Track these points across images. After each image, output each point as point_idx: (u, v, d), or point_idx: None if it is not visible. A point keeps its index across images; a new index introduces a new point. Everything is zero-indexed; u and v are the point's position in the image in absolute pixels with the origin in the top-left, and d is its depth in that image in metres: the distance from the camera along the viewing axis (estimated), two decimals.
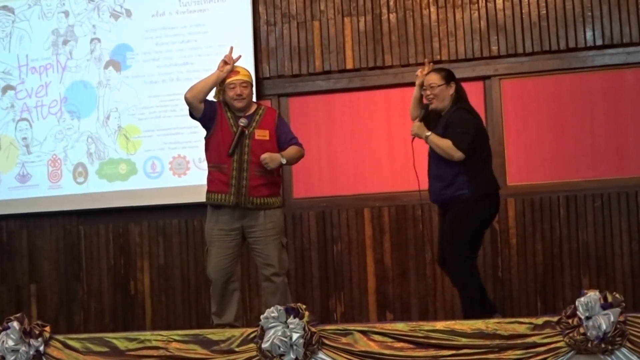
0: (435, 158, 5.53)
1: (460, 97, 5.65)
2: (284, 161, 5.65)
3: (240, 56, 5.71)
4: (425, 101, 5.68)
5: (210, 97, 5.72)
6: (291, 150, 5.71)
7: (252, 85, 5.72)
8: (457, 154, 5.43)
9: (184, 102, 5.65)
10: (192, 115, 5.70)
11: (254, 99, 5.92)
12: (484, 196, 5.56)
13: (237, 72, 5.66)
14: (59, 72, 7.69)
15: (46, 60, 7.73)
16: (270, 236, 5.64)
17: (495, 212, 5.70)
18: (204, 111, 5.62)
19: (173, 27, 7.47)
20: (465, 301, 5.56)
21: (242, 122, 5.60)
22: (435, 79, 5.63)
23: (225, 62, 5.65)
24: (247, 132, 5.59)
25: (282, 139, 5.71)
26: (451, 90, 5.61)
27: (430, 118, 5.65)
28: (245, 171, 5.57)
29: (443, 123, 5.53)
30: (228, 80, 5.63)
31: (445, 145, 5.45)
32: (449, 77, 5.64)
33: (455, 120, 5.51)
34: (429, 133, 5.52)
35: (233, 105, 5.63)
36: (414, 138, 5.67)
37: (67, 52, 7.69)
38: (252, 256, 5.91)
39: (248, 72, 5.75)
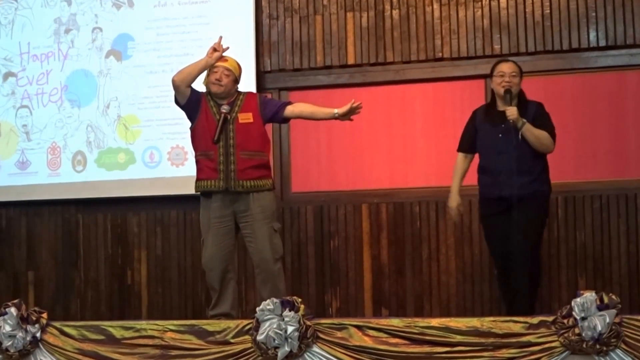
0: (520, 150, 5.50)
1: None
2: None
3: (228, 47, 5.73)
4: (503, 87, 5.69)
5: (201, 88, 5.76)
6: (316, 108, 5.78)
7: (235, 79, 5.72)
8: (552, 147, 5.56)
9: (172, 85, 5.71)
10: (177, 102, 5.77)
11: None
12: (550, 194, 5.73)
13: (225, 60, 5.71)
14: (60, 60, 7.69)
15: (48, 48, 7.72)
16: (259, 220, 5.63)
17: None
18: (189, 98, 5.69)
19: (175, 18, 7.46)
20: (532, 295, 5.64)
21: (225, 108, 5.63)
22: (515, 68, 5.73)
23: (214, 49, 5.70)
24: (229, 117, 5.62)
25: (270, 109, 5.72)
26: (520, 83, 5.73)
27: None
28: (232, 155, 5.59)
29: (528, 118, 5.55)
30: (214, 64, 5.69)
31: (544, 136, 5.51)
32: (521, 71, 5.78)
33: (543, 115, 5.62)
34: (525, 120, 5.53)
35: (210, 89, 5.68)
36: (514, 125, 5.56)
37: (68, 40, 7.69)
38: (246, 246, 5.90)
39: (237, 64, 5.77)
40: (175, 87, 5.69)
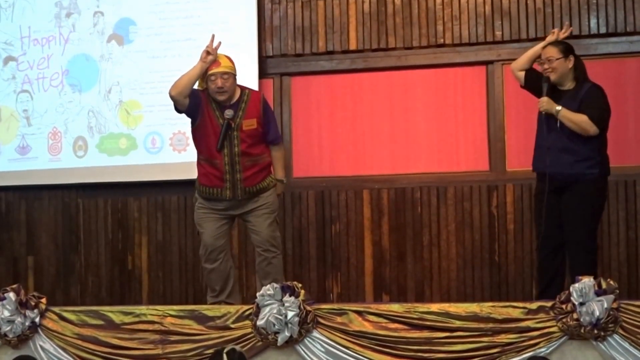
0: (567, 131, 5.44)
1: (583, 73, 5.61)
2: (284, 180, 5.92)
3: (220, 43, 5.62)
4: (544, 74, 5.58)
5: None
6: (280, 164, 5.85)
7: (234, 75, 5.61)
8: (593, 129, 5.39)
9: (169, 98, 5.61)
10: (177, 110, 5.67)
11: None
12: (607, 176, 5.58)
13: (219, 63, 5.57)
14: (62, 44, 7.66)
15: (49, 32, 7.69)
16: (263, 215, 5.67)
17: None
18: (189, 104, 5.57)
19: (177, 2, 7.41)
20: None
21: (228, 114, 5.54)
22: (553, 52, 5.57)
23: (207, 53, 5.56)
24: (233, 124, 5.55)
25: (267, 131, 5.68)
26: (570, 63, 5.55)
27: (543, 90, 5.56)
28: (237, 164, 5.55)
29: (577, 99, 5.47)
30: (209, 72, 5.55)
31: (580, 119, 5.40)
32: (567, 50, 5.58)
33: (593, 96, 5.48)
34: (559, 107, 5.45)
35: (217, 99, 5.57)
36: (544, 114, 5.52)
37: (70, 24, 7.66)
38: (248, 234, 5.92)
39: (231, 61, 5.65)
40: (174, 100, 5.57)
